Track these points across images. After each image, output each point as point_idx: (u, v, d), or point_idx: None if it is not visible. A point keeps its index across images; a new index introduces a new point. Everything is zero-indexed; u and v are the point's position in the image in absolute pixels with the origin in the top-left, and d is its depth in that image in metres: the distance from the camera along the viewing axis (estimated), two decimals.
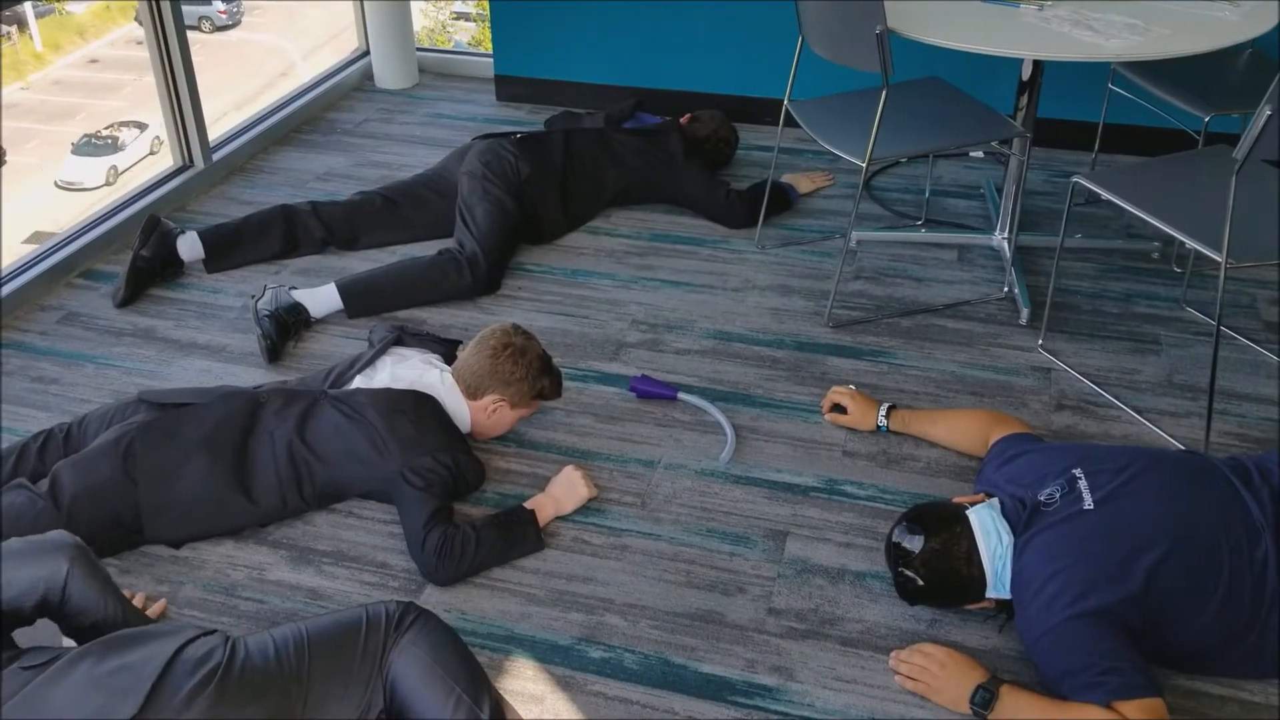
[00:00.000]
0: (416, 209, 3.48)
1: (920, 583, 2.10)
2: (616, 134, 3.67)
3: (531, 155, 3.46)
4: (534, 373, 2.51)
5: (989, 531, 2.08)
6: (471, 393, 2.51)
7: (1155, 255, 3.40)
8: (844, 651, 2.13)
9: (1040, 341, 3.00)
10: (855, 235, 3.50)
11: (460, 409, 2.51)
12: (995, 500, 2.16)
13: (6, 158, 18.92)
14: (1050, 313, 3.05)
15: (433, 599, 2.25)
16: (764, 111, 4.17)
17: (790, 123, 3.27)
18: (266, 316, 2.97)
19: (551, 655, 2.13)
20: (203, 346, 3.04)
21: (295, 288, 3.10)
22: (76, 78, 21.69)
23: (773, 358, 2.97)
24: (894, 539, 2.14)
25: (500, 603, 2.24)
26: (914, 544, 2.10)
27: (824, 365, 2.93)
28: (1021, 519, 2.09)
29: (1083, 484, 2.08)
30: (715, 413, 2.73)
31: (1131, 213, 2.63)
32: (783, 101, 3.31)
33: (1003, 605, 2.17)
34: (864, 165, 2.92)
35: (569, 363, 2.95)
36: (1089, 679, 1.88)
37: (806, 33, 3.13)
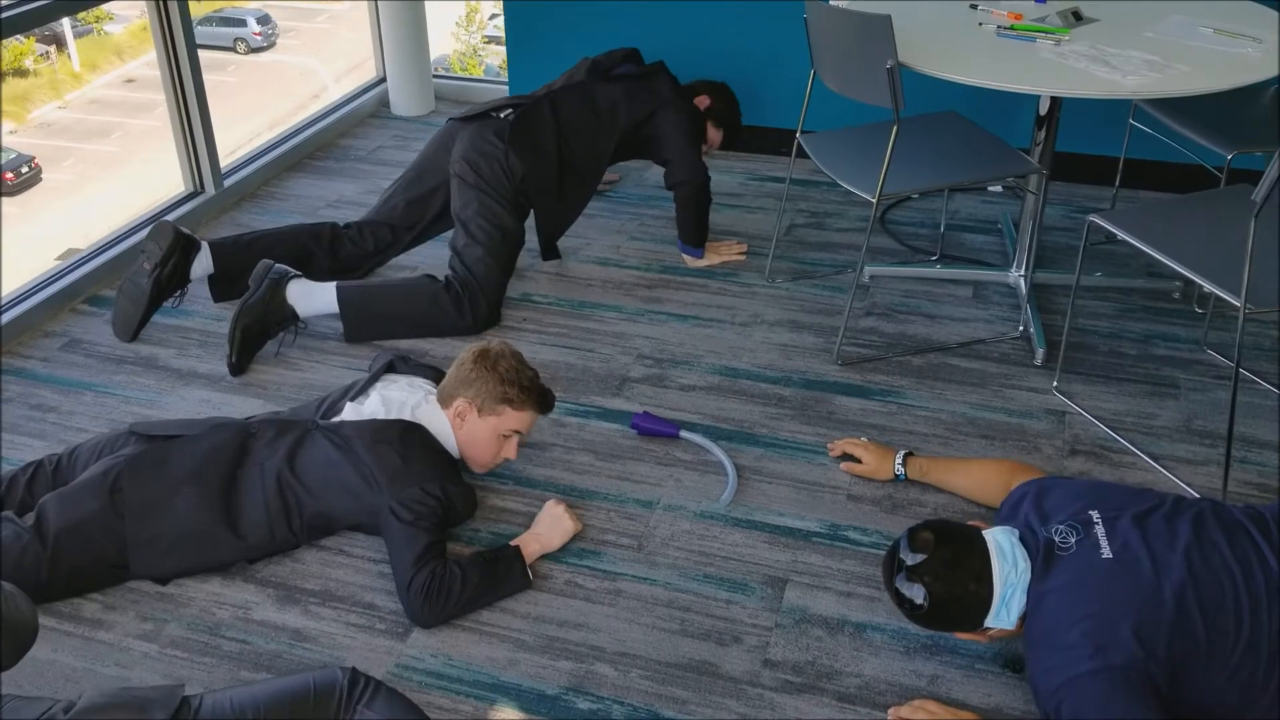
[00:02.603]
0: (420, 211, 3.38)
1: (921, 591, 1.97)
2: (600, 85, 3.46)
3: (522, 143, 3.24)
4: (498, 375, 2.43)
5: (1005, 554, 1.99)
6: (444, 402, 2.47)
7: (1176, 295, 3.32)
8: (840, 708, 2.06)
9: (1055, 383, 2.92)
10: (868, 270, 3.44)
11: (447, 433, 2.46)
12: (1013, 530, 2.07)
13: (43, 176, 19.18)
14: (1066, 353, 2.98)
15: (420, 643, 2.19)
16: (778, 142, 4.12)
17: (803, 154, 3.22)
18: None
19: (538, 705, 2.07)
20: (203, 376, 3.01)
21: (300, 275, 3.06)
22: (113, 97, 21.97)
23: (779, 395, 2.91)
24: (901, 542, 2.02)
25: (488, 648, 2.18)
26: (923, 548, 1.99)
27: (831, 405, 2.87)
28: (1038, 553, 2.00)
29: (1099, 530, 1.99)
30: (718, 452, 2.67)
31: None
32: (793, 131, 3.26)
33: (1013, 661, 2.10)
34: (874, 201, 2.86)
35: (571, 397, 2.90)
36: None
37: (819, 66, 3.08)
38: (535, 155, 3.26)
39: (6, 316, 3.16)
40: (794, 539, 2.44)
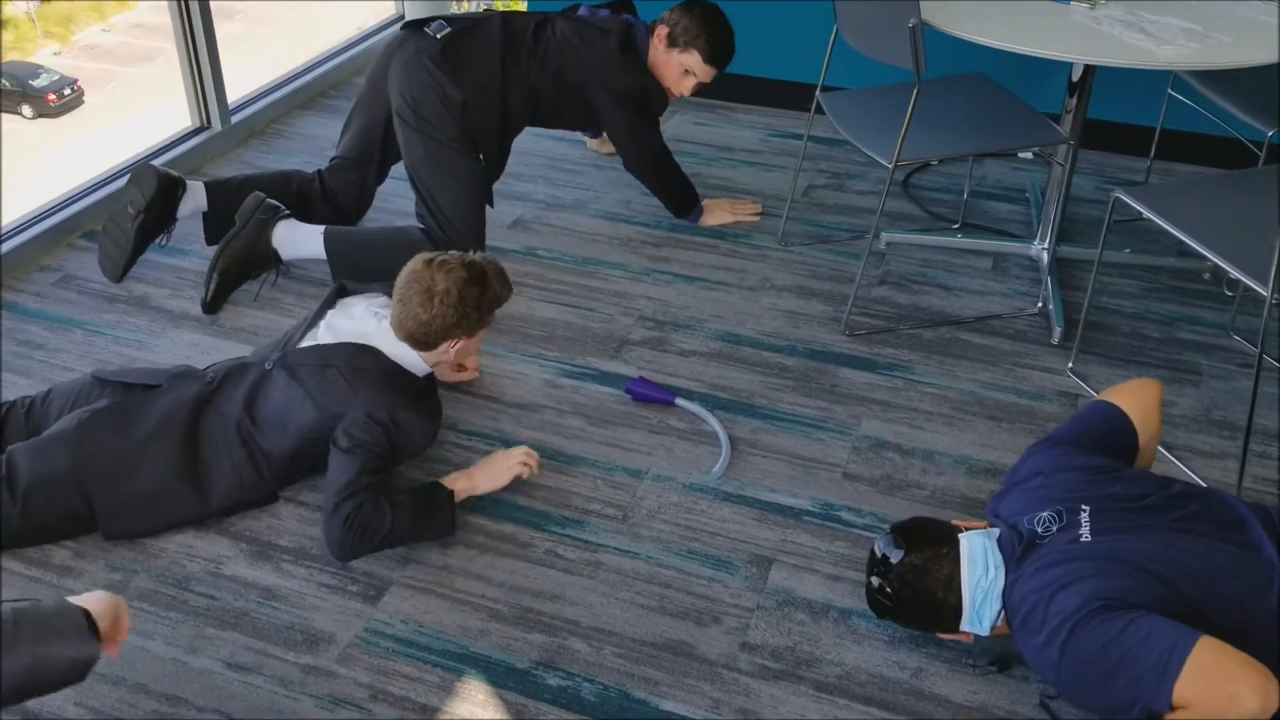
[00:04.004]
0: (372, 135, 3.18)
1: (890, 595, 1.97)
2: (560, 19, 3.15)
3: (456, 67, 2.99)
4: (469, 305, 2.30)
5: (976, 561, 1.93)
6: (421, 345, 2.34)
7: (1207, 276, 3.18)
8: (817, 697, 1.98)
9: (1070, 364, 2.81)
10: (885, 237, 3.32)
11: (406, 354, 2.36)
12: (994, 530, 2.00)
13: (85, 99, 19.17)
14: (1085, 333, 2.86)
15: (390, 607, 2.13)
16: (798, 97, 3.98)
17: (824, 111, 3.09)
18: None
19: (506, 679, 2.00)
20: (194, 318, 2.95)
21: (289, 215, 2.98)
22: (156, 22, 21.88)
23: (781, 365, 2.81)
24: (876, 546, 2.01)
25: (461, 616, 2.12)
26: (894, 554, 1.97)
27: (835, 377, 2.77)
28: (1016, 552, 1.92)
29: (1084, 517, 1.90)
30: (713, 422, 2.58)
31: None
32: (816, 87, 3.13)
33: (1000, 660, 2.02)
34: (891, 166, 2.74)
35: (567, 358, 2.82)
36: (1127, 680, 1.69)
37: (841, 23, 2.94)
38: (474, 81, 3.01)
39: (3, 248, 3.11)
40: (784, 517, 2.36)
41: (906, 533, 2.00)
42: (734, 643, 2.08)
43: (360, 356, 2.31)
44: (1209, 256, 2.35)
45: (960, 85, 3.08)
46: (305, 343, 2.39)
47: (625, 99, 3.14)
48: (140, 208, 2.96)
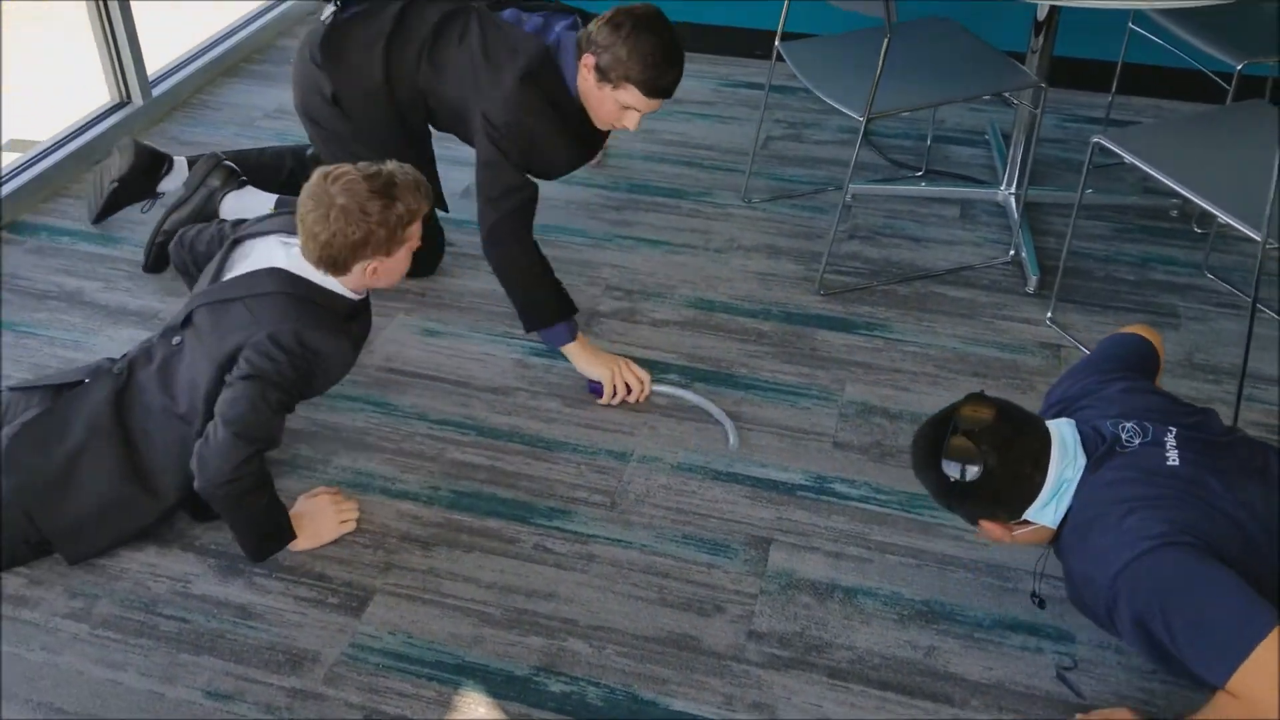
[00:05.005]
0: None
1: (975, 460, 1.74)
2: (471, 18, 2.61)
3: (337, 59, 2.63)
4: (373, 221, 2.02)
5: (1068, 447, 1.80)
6: (334, 268, 2.09)
7: (1174, 213, 3.14)
8: (832, 685, 1.91)
9: (1049, 314, 2.75)
10: (851, 189, 3.22)
11: (325, 279, 2.12)
12: (1073, 421, 1.87)
13: None
14: (1060, 280, 2.79)
15: (376, 617, 2.02)
16: (755, 44, 3.86)
17: (784, 59, 2.97)
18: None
19: (506, 689, 1.91)
20: (134, 313, 2.77)
21: (243, 184, 2.83)
22: None
23: (758, 331, 2.72)
24: (954, 410, 1.80)
25: (451, 624, 2.01)
26: (985, 413, 1.77)
27: (813, 340, 2.68)
28: (1099, 452, 1.79)
29: (1170, 440, 1.79)
30: (695, 399, 2.48)
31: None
32: (775, 33, 3.01)
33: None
34: (863, 120, 2.63)
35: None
36: (1186, 629, 1.60)
37: None
38: (351, 75, 2.63)
39: None
40: (778, 493, 2.28)
41: (995, 403, 1.81)
42: (740, 632, 2.00)
43: (260, 280, 2.09)
44: (1202, 204, 2.29)
45: (924, 30, 2.98)
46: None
47: (496, 133, 2.50)
48: (114, 178, 2.89)
